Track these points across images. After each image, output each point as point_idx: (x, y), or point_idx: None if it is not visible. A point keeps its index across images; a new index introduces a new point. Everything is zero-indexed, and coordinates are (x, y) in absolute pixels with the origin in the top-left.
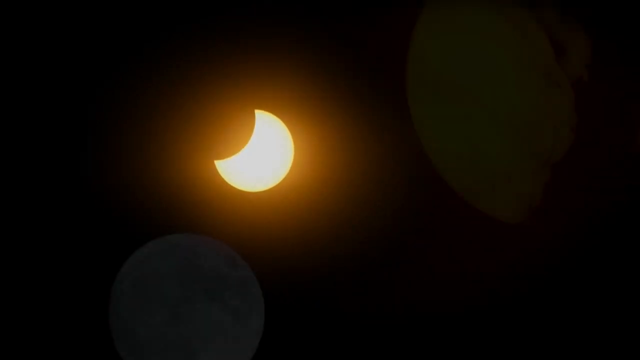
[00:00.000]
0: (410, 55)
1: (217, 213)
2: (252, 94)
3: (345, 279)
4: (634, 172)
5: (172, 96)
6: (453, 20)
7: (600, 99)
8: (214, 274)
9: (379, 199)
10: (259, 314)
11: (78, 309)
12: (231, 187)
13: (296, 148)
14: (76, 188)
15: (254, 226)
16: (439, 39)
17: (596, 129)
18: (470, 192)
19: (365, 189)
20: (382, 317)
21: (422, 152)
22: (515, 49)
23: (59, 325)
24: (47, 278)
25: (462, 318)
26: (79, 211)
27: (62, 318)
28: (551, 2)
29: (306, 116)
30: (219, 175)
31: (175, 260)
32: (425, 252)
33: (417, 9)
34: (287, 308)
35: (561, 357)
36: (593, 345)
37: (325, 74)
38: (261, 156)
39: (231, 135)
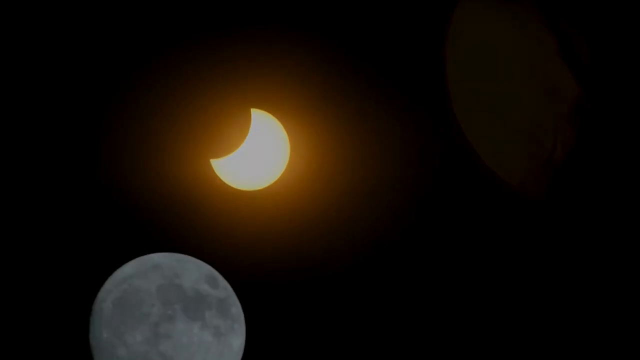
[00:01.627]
0: (448, 60)
1: (212, 211)
2: (249, 92)
3: (339, 282)
4: (635, 171)
5: (168, 95)
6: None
7: (600, 98)
8: (195, 294)
9: (373, 196)
10: (240, 333)
11: (59, 327)
12: (227, 185)
13: (292, 146)
14: (67, 189)
15: (248, 225)
16: (469, 46)
17: (597, 128)
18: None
19: (361, 186)
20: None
21: (417, 150)
22: (520, 53)
23: (39, 343)
24: (26, 295)
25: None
26: (68, 217)
27: (42, 336)
28: (553, 4)
29: (302, 115)
30: (215, 173)
31: (156, 279)
32: (421, 252)
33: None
34: (268, 327)
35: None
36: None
37: (321, 73)
38: (257, 155)
39: (227, 133)
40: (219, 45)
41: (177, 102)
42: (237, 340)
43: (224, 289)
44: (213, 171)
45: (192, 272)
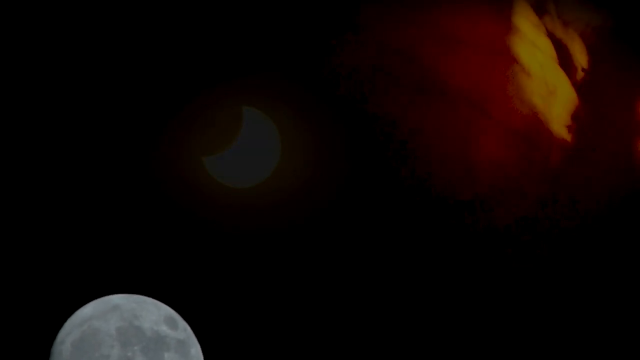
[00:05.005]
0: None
1: (204, 209)
2: (241, 90)
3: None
4: (634, 173)
5: (162, 94)
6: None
7: (598, 101)
8: (154, 335)
9: (365, 196)
10: None
11: None
12: (219, 183)
13: (284, 145)
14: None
15: (242, 223)
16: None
17: (596, 132)
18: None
19: (350, 186)
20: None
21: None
22: (519, 58)
23: None
24: None
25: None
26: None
27: None
28: (550, 7)
29: (295, 113)
30: (207, 171)
31: (115, 321)
32: (419, 256)
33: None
34: None
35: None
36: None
37: (316, 72)
38: (249, 153)
39: (219, 131)
40: (213, 44)
41: (169, 101)
42: None
43: (183, 330)
44: (205, 169)
45: (152, 313)
